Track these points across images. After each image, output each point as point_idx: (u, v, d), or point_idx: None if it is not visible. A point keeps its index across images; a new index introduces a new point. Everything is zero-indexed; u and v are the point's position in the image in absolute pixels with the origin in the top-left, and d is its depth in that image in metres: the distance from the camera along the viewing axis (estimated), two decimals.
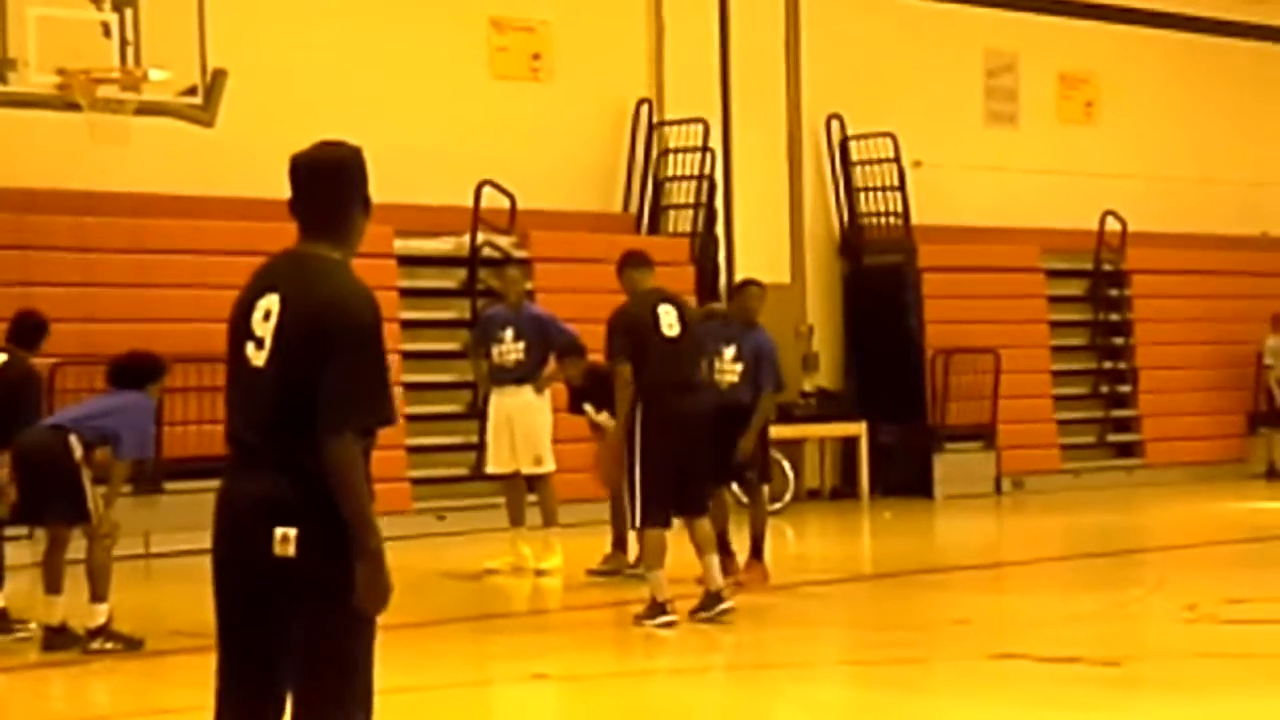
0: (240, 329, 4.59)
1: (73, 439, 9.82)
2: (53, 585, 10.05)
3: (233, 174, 15.50)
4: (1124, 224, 21.49)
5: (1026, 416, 20.38)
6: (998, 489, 20.07)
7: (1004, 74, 21.70)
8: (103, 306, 14.82)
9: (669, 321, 10.46)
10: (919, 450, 19.60)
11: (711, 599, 10.48)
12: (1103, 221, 21.41)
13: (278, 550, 4.42)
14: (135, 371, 10.19)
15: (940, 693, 8.85)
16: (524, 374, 13.20)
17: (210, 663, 4.66)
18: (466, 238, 17.23)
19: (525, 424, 13.22)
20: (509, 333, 13.25)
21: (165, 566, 13.96)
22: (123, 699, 9.13)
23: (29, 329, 10.74)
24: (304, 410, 4.43)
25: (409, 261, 17.00)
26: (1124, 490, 20.26)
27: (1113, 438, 21.70)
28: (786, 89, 19.85)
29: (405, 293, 16.85)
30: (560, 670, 9.42)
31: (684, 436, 10.37)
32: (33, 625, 10.30)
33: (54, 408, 13.94)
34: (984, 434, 20.00)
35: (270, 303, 4.54)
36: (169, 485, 14.62)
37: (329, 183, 4.65)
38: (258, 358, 4.52)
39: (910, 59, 20.63)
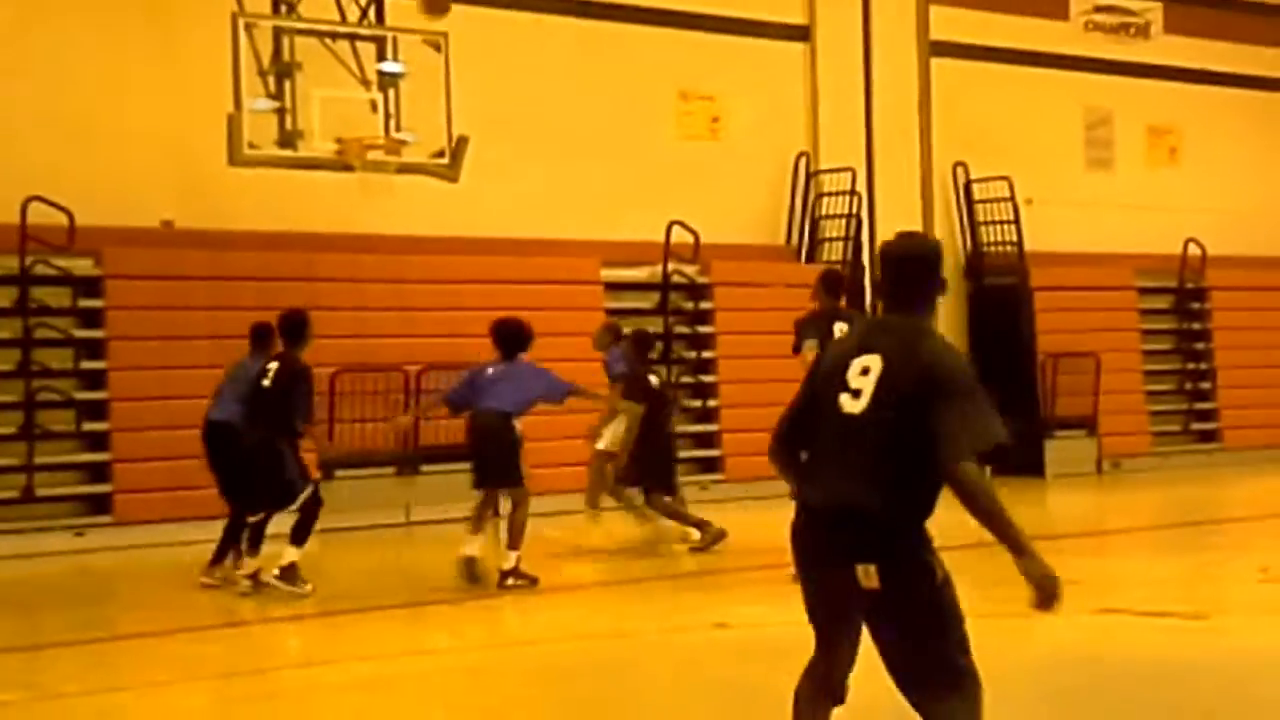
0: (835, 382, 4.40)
1: None
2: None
3: (473, 220, 15.67)
4: (1204, 249, 20.99)
5: (1122, 408, 19.97)
6: (1099, 469, 19.66)
7: (1101, 126, 21.36)
8: (373, 326, 15.06)
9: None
10: (1033, 437, 19.21)
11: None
12: (1186, 247, 20.92)
13: None
14: None
15: (1053, 641, 8.64)
16: None
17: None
18: (659, 267, 17.25)
19: None
20: None
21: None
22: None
23: (292, 326, 10.36)
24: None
25: (613, 287, 17.07)
26: (1206, 470, 19.77)
27: (1196, 425, 21.15)
28: (920, 141, 19.62)
29: (610, 313, 16.88)
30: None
31: None
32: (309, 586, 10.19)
33: (333, 408, 14.19)
34: (1087, 423, 19.63)
35: (870, 361, 4.36)
36: (425, 468, 14.85)
37: (917, 268, 4.50)
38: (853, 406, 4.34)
39: (1022, 114, 20.31)
